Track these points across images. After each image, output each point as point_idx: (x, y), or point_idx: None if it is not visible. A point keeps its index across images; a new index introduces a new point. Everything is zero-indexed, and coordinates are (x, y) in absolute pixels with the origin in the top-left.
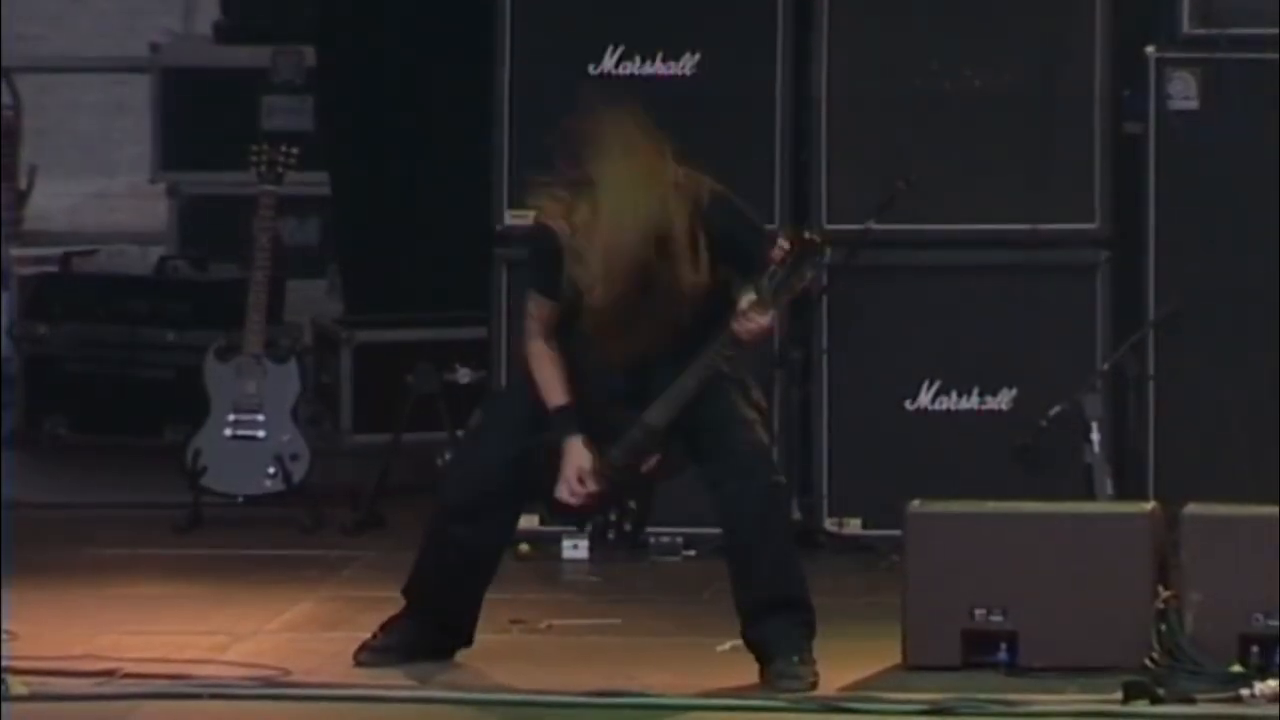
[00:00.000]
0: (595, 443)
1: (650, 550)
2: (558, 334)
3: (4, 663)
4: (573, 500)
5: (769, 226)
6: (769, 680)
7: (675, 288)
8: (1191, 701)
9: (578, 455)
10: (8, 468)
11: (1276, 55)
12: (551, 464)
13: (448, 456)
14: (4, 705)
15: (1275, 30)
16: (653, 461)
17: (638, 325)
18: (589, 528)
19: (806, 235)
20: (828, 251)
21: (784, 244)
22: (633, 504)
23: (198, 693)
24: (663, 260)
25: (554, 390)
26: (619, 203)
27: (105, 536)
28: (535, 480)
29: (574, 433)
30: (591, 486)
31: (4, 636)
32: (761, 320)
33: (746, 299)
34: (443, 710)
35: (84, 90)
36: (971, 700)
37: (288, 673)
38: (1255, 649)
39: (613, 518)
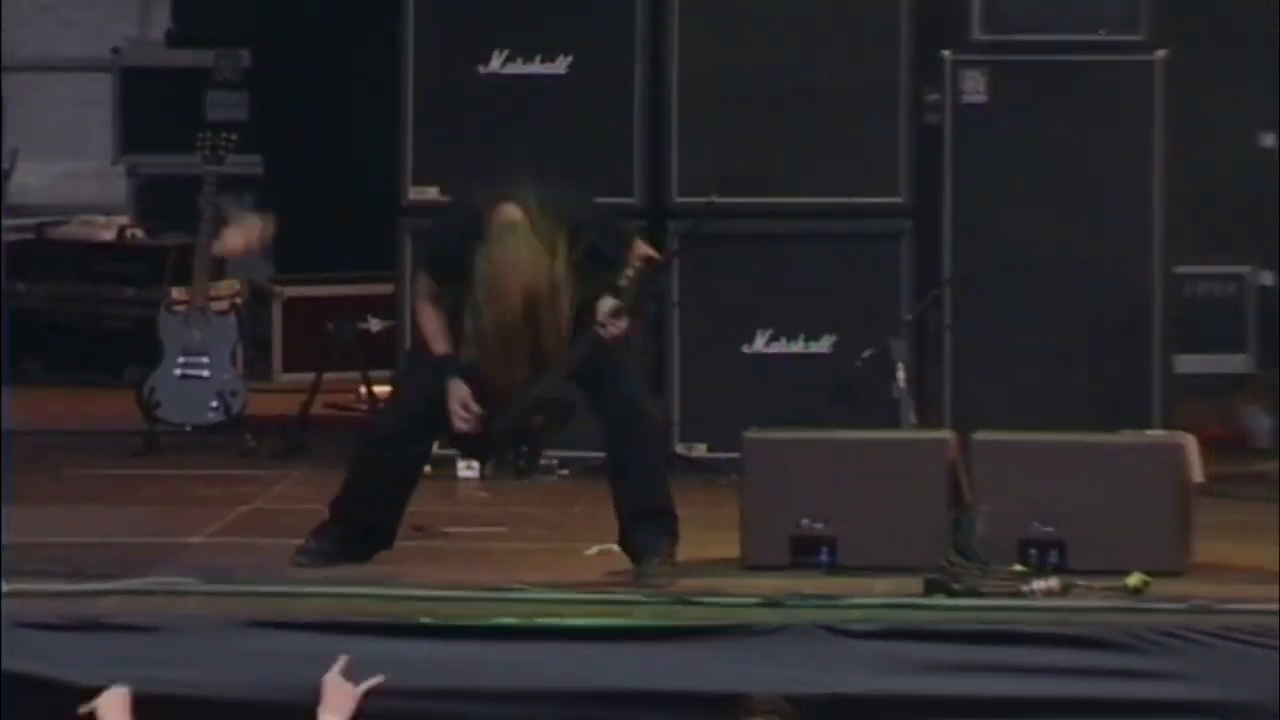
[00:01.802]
0: (494, 405)
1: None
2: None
3: (3, 585)
4: (465, 427)
5: (627, 200)
6: (635, 578)
7: (554, 333)
8: (980, 595)
9: (457, 390)
10: (7, 402)
11: (1055, 58)
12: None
13: (363, 390)
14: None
15: (1054, 36)
16: (539, 421)
17: (518, 359)
18: (491, 463)
19: (655, 255)
20: (673, 267)
21: (637, 264)
22: (525, 449)
23: (152, 589)
24: (543, 317)
25: (437, 341)
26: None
27: (74, 460)
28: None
29: (453, 376)
30: (475, 410)
31: (3, 552)
32: (622, 325)
33: (608, 306)
34: (360, 603)
35: (57, 87)
36: (798, 594)
37: (228, 571)
38: (1034, 552)
39: (510, 458)
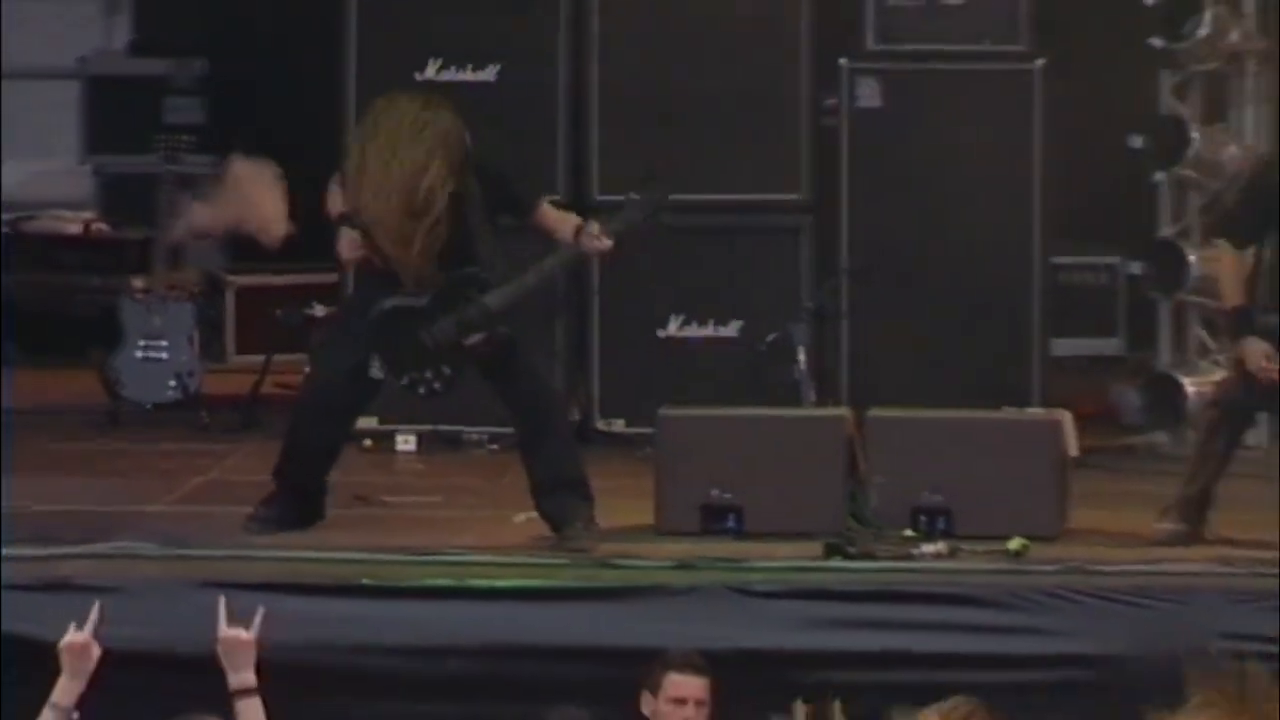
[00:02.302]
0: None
1: (464, 445)
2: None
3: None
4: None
5: (553, 197)
6: (561, 543)
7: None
8: (875, 558)
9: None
10: (8, 380)
11: (943, 66)
12: (400, 330)
13: (309, 369)
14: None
15: (942, 46)
16: (478, 338)
17: (410, 243)
18: (406, 380)
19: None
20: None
21: (634, 196)
22: (446, 369)
23: (115, 553)
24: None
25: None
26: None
27: (44, 434)
28: (370, 383)
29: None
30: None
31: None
32: (606, 242)
33: (596, 225)
34: (306, 566)
35: (31, 93)
36: (707, 558)
37: (185, 537)
38: (924, 518)
39: (429, 375)
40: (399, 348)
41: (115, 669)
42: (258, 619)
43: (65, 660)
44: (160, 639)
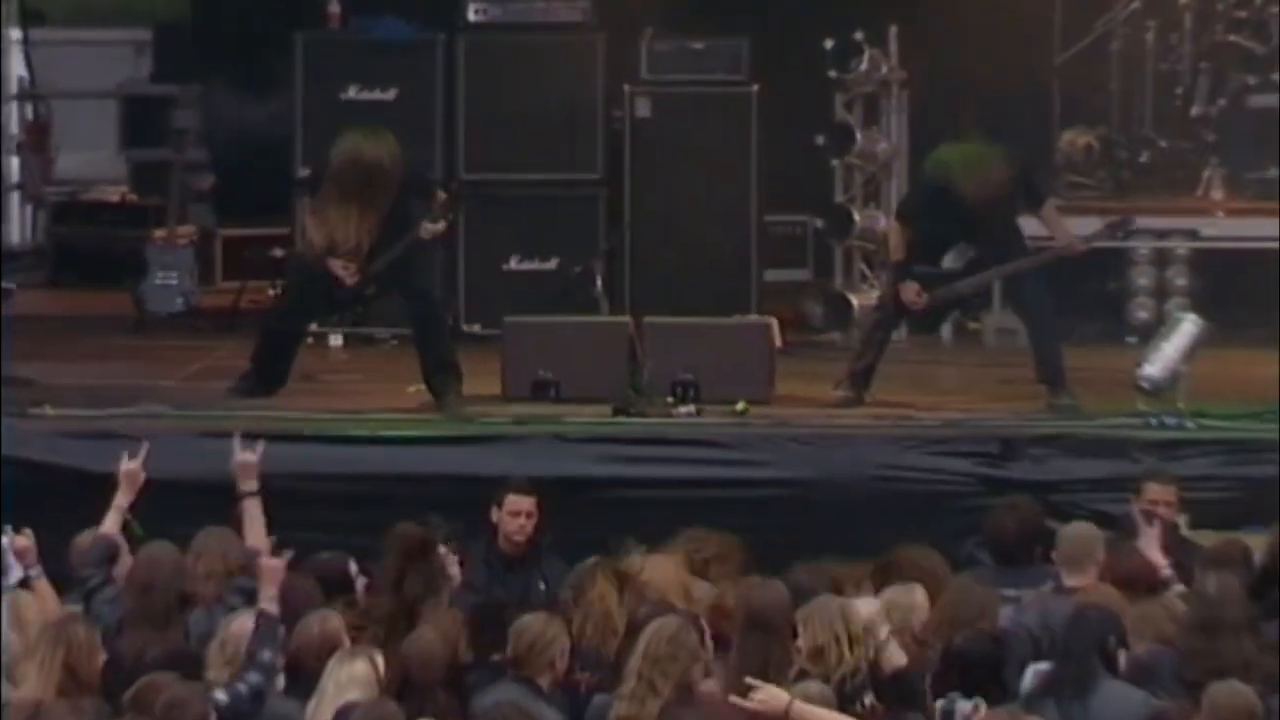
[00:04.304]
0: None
1: (375, 341)
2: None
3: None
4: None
5: (433, 176)
6: (438, 406)
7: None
8: (647, 415)
9: (338, 266)
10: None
11: (693, 89)
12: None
13: (271, 292)
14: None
15: (691, 75)
16: (371, 290)
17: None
18: (339, 315)
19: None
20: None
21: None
22: (361, 309)
23: (141, 414)
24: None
25: (317, 235)
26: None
27: (94, 334)
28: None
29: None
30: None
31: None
32: (437, 229)
33: (429, 218)
34: (269, 421)
35: (85, 107)
36: (536, 416)
37: (188, 403)
38: (680, 389)
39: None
40: (334, 304)
41: (142, 491)
42: (260, 447)
43: (123, 479)
44: (171, 471)
